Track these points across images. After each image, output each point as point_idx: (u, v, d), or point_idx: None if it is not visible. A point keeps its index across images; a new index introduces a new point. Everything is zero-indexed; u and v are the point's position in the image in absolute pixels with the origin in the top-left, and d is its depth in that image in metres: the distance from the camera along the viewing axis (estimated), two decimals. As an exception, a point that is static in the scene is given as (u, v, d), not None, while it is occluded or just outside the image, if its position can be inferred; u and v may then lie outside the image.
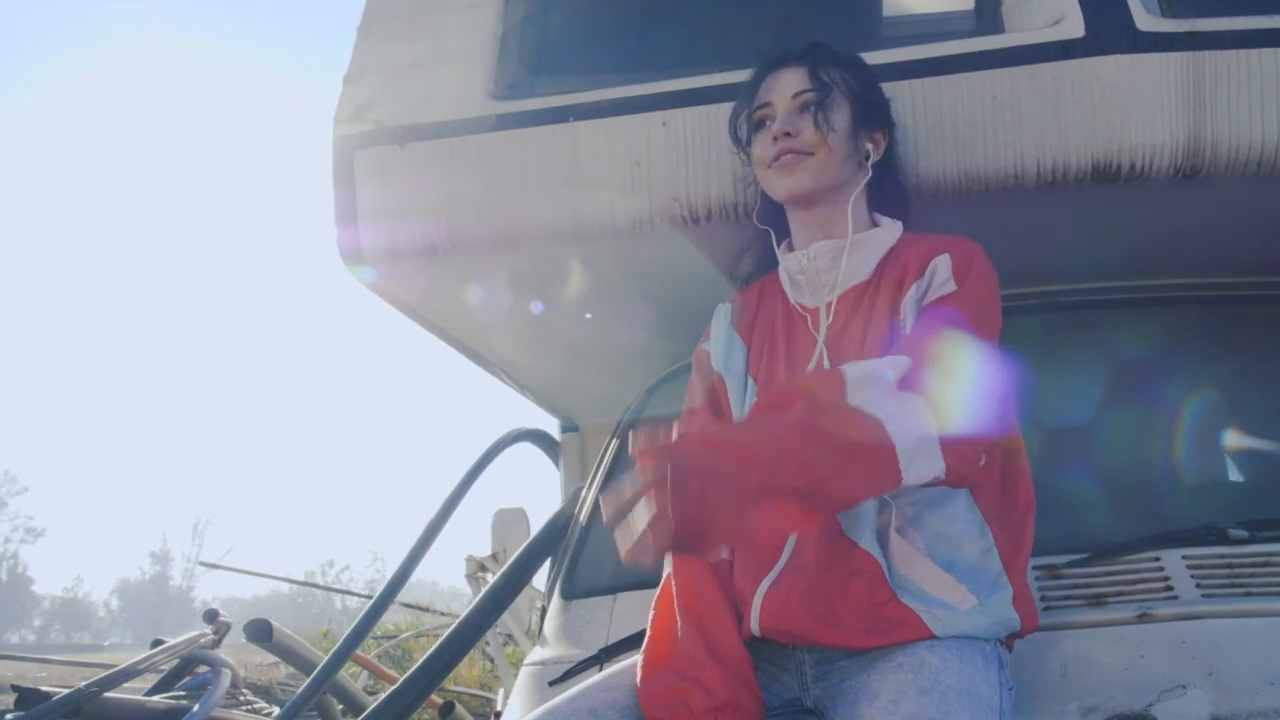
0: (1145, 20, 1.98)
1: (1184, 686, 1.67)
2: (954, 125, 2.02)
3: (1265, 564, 1.87)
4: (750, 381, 1.81)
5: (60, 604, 72.79)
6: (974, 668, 1.49)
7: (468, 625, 2.24)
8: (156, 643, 3.86)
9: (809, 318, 1.78)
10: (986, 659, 1.53)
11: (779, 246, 1.87)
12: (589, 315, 2.72)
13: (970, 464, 1.55)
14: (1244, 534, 1.91)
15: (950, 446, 1.46)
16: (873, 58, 2.02)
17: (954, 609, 1.55)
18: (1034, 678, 1.76)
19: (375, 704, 2.09)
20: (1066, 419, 2.14)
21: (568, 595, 2.33)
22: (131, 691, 4.00)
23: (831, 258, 1.76)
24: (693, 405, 1.88)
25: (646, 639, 1.71)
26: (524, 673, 2.22)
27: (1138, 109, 1.96)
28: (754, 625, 1.61)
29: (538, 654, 2.24)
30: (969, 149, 2.01)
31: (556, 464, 3.90)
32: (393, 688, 2.11)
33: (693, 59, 2.27)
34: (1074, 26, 2.00)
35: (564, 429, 3.86)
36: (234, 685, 4.04)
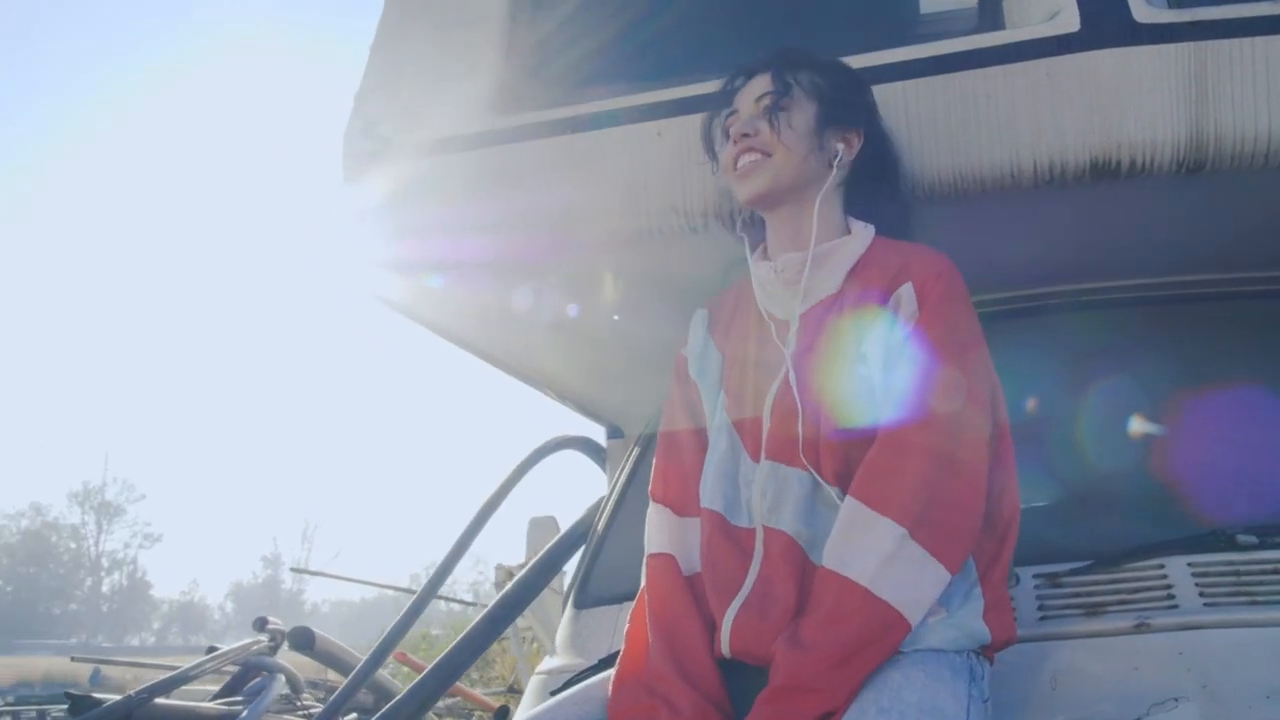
0: (1143, 11, 1.92)
1: (1176, 699, 1.62)
2: (948, 125, 1.98)
3: (1274, 571, 1.80)
4: (722, 393, 1.81)
5: (178, 607, 75.30)
6: (939, 682, 1.46)
7: (476, 634, 2.26)
8: (210, 649, 3.98)
9: (776, 328, 1.77)
10: (955, 672, 1.50)
11: (753, 253, 1.86)
12: (616, 317, 2.73)
13: (970, 548, 1.59)
14: (1253, 540, 1.84)
15: (945, 554, 1.52)
16: (862, 60, 2.01)
17: (921, 622, 1.52)
18: (1023, 689, 1.72)
19: (384, 709, 2.13)
20: (1070, 423, 2.08)
21: (579, 605, 2.35)
22: (197, 697, 4.14)
23: (798, 270, 1.75)
24: (671, 425, 1.88)
25: (620, 652, 1.71)
26: (533, 681, 2.25)
27: (1137, 103, 1.90)
28: (724, 647, 1.60)
29: (548, 663, 2.27)
30: (964, 149, 1.97)
31: (604, 470, 3.92)
32: (400, 694, 2.15)
33: (696, 67, 2.26)
34: (1069, 20, 1.94)
35: (610, 436, 3.88)
36: (295, 690, 4.15)
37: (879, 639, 1.48)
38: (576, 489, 4.17)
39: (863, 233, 1.78)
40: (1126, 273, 2.25)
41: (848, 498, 1.57)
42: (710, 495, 1.73)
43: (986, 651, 1.60)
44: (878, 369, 1.63)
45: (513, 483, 3.37)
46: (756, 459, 1.70)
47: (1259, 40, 1.88)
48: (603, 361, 3.13)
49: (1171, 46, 1.90)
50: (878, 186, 1.87)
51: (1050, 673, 1.73)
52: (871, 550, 1.50)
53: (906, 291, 1.66)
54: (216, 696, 4.02)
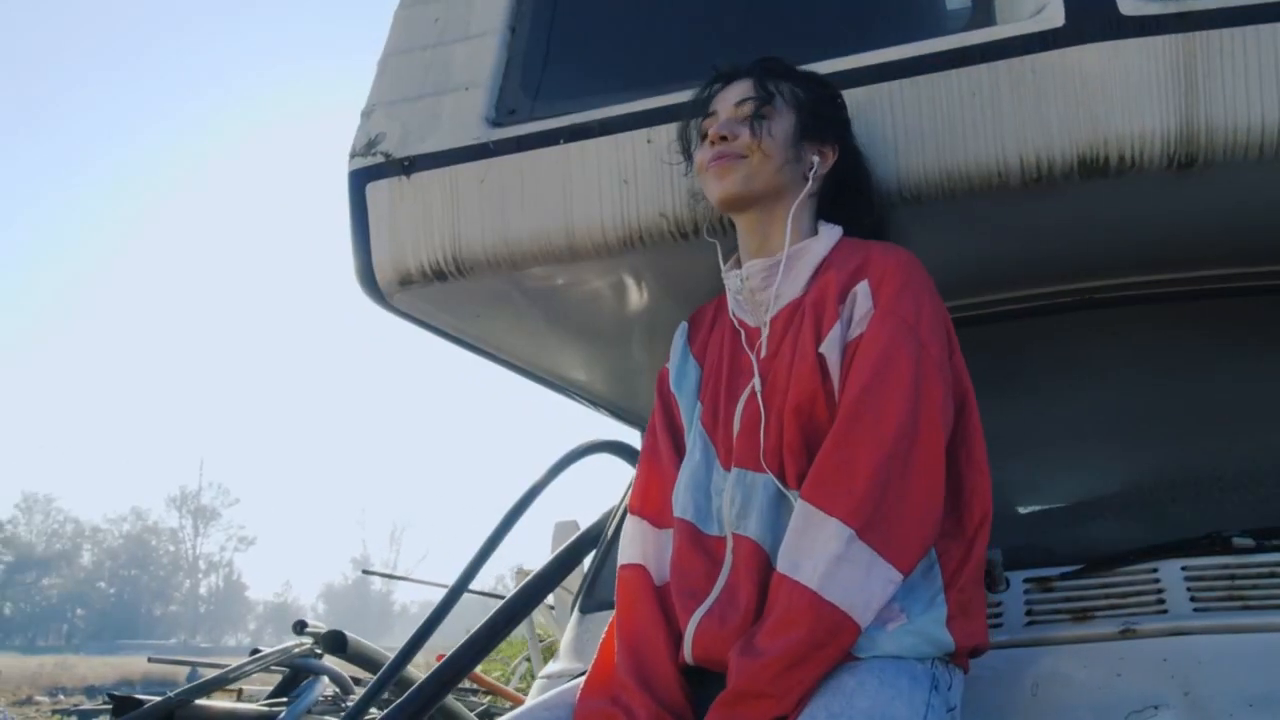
0: (1129, 4, 1.88)
1: (1156, 707, 1.59)
2: (934, 125, 1.95)
3: (1270, 575, 1.75)
4: (699, 404, 1.81)
5: (271, 608, 77.12)
6: (895, 690, 1.44)
7: (479, 637, 2.29)
8: (253, 652, 4.09)
9: (747, 336, 1.77)
10: (914, 680, 1.48)
11: (726, 263, 1.86)
12: (634, 320, 2.74)
13: (925, 549, 1.56)
14: (1249, 543, 1.80)
15: (896, 555, 1.50)
16: (846, 62, 2.00)
17: (880, 628, 1.51)
18: (1003, 696, 1.70)
19: (386, 710, 2.17)
20: (1065, 426, 2.05)
21: (585, 609, 2.36)
22: (257, 699, 4.25)
23: (763, 277, 1.75)
24: (653, 439, 1.89)
25: (594, 658, 1.73)
26: (535, 685, 2.27)
27: (1123, 97, 1.86)
28: (687, 655, 1.61)
29: (551, 667, 2.28)
30: (949, 148, 1.94)
31: (641, 472, 3.92)
32: (405, 695, 2.19)
33: (689, 74, 2.27)
34: (1054, 16, 1.91)
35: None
36: (344, 691, 4.24)
37: (829, 642, 1.46)
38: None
39: (827, 234, 1.77)
40: (1120, 271, 2.19)
41: (799, 500, 1.56)
42: (682, 505, 1.73)
43: (956, 659, 1.57)
44: (834, 369, 1.62)
45: (543, 485, 3.40)
46: (727, 467, 1.70)
47: (1248, 30, 1.83)
48: (626, 365, 3.15)
49: (1159, 39, 1.86)
50: (849, 198, 1.86)
51: (1032, 679, 1.70)
52: (820, 553, 1.49)
53: (862, 289, 1.65)
54: (269, 697, 4.13)
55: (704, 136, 1.83)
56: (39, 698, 24.68)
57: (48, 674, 30.71)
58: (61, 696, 25.11)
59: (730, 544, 1.65)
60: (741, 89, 1.81)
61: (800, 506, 1.55)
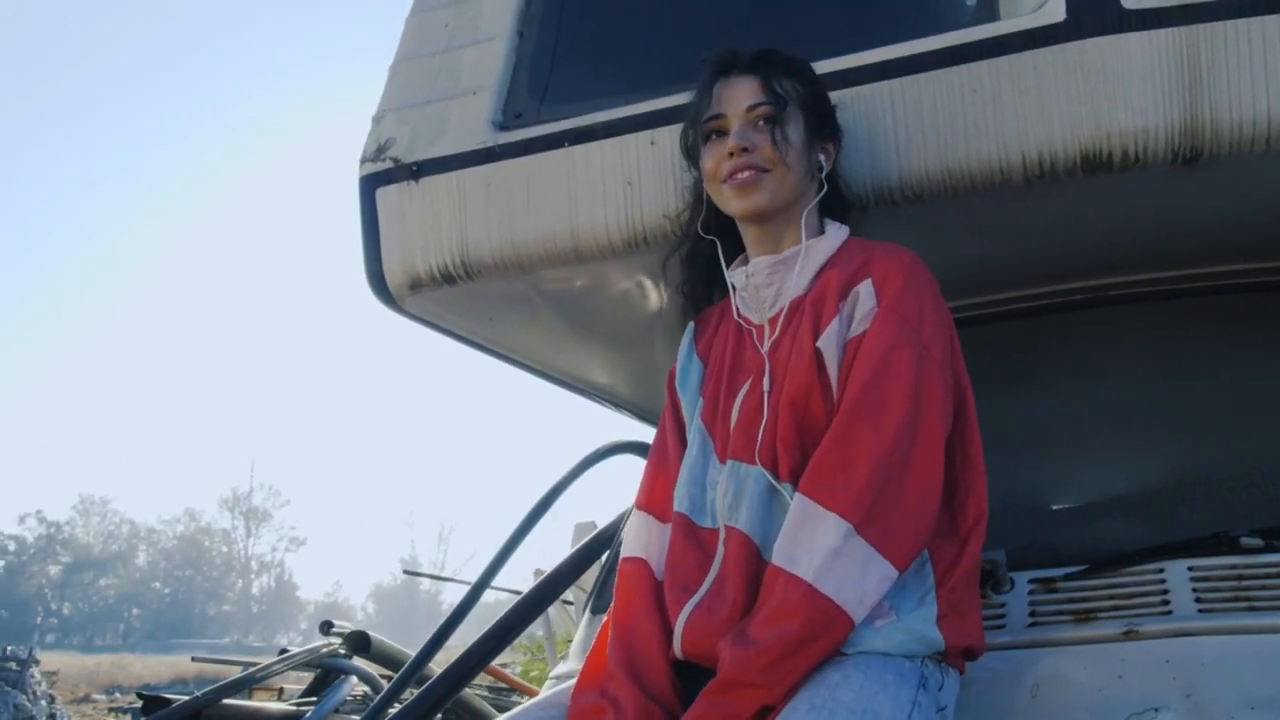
0: (1131, -3, 1.85)
1: (1156, 709, 1.57)
2: (934, 123, 1.94)
3: (1278, 575, 1.72)
4: (700, 400, 1.81)
5: (322, 608, 77.83)
6: (880, 686, 1.44)
7: (490, 637, 2.30)
8: (281, 652, 4.14)
9: (754, 333, 1.77)
10: (900, 677, 1.47)
11: (727, 262, 1.86)
12: (649, 321, 2.74)
13: (921, 546, 1.56)
14: (1258, 542, 1.77)
15: (892, 551, 1.50)
16: (843, 61, 1.99)
17: (868, 625, 1.50)
18: (1003, 698, 1.69)
19: (393, 713, 2.19)
20: (1070, 425, 2.02)
21: (596, 610, 2.37)
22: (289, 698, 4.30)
23: (768, 274, 1.75)
24: (661, 437, 1.90)
25: (588, 653, 1.73)
26: (545, 685, 2.28)
27: (1126, 92, 1.84)
28: (676, 648, 1.61)
29: (561, 668, 2.30)
30: (950, 146, 1.93)
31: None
32: (418, 692, 2.21)
33: (691, 76, 2.27)
34: (1055, 11, 1.89)
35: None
36: (376, 690, 4.28)
37: (822, 635, 1.46)
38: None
39: (835, 233, 1.77)
40: (1124, 269, 2.16)
41: (796, 493, 1.56)
42: (680, 498, 1.74)
43: (948, 659, 1.57)
44: (833, 367, 1.62)
45: (564, 486, 3.41)
46: (724, 461, 1.71)
47: (1253, 21, 1.80)
48: (646, 365, 3.15)
49: (1161, 32, 1.83)
50: (840, 192, 1.86)
51: (1033, 680, 1.69)
52: (817, 546, 1.49)
53: (865, 288, 1.65)
54: (301, 696, 4.19)
55: (707, 137, 1.81)
56: (96, 696, 25.14)
57: (105, 673, 31.24)
58: (118, 695, 25.53)
59: (722, 536, 1.65)
60: (749, 89, 1.77)
61: (798, 500, 1.55)
